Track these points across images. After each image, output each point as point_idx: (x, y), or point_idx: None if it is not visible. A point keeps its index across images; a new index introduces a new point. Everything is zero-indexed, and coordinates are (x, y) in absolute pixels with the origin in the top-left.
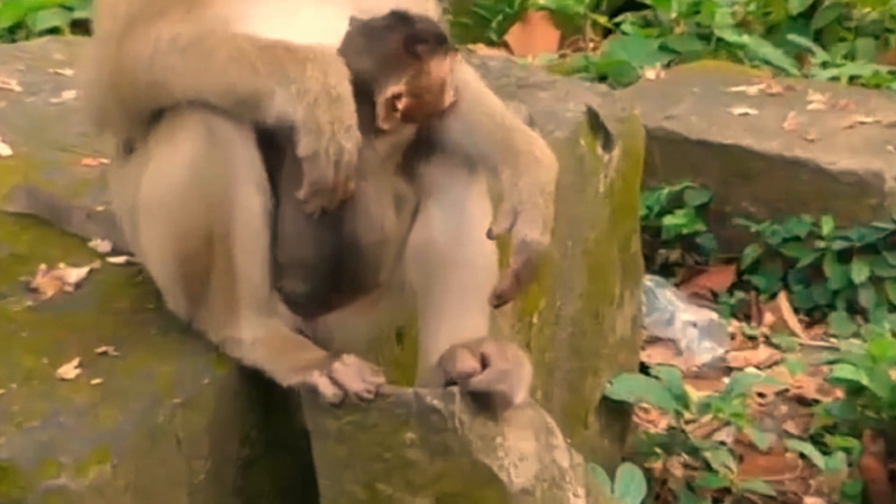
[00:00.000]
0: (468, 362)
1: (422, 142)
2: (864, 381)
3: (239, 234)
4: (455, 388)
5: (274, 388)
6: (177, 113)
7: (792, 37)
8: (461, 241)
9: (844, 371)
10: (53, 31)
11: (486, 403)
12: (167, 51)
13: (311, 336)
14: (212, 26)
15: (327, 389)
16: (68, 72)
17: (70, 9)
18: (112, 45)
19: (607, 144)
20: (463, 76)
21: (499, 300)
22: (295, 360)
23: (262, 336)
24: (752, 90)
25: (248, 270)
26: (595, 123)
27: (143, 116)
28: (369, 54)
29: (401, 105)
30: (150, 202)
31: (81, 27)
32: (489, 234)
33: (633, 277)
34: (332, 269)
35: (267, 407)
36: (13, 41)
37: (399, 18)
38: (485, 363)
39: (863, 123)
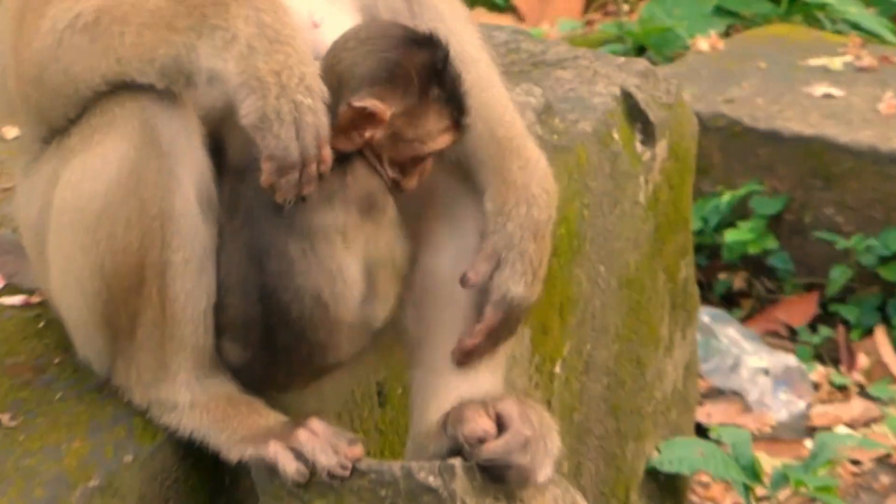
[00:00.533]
0: (481, 423)
1: None
2: None
3: (178, 262)
4: (456, 460)
5: (219, 465)
6: (105, 105)
7: None
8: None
9: None
10: None
11: (501, 479)
12: (70, 34)
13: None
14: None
15: (289, 465)
16: None
17: None
18: (14, 27)
19: (648, 138)
20: (472, 51)
21: (464, 358)
22: (246, 428)
23: (202, 398)
24: (837, 63)
25: (188, 311)
26: (632, 111)
27: (67, 107)
28: (369, 57)
29: (371, 130)
30: (66, 217)
31: None
32: (463, 282)
33: (685, 312)
34: (265, 335)
35: (211, 490)
36: None
37: (430, 44)
38: (501, 426)
39: None
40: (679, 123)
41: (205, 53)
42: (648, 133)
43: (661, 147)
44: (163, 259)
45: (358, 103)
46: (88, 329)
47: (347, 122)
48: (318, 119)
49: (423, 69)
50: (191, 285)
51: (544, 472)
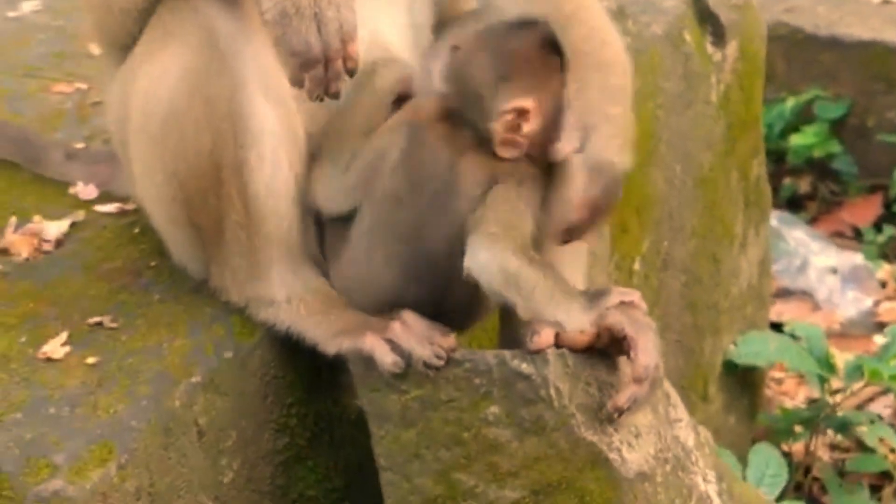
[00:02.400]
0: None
1: None
2: None
3: (253, 159)
4: (550, 348)
5: (317, 359)
6: (162, 15)
7: None
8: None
9: None
10: None
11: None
12: None
13: None
14: None
15: (385, 357)
16: None
17: None
18: None
19: (719, 40)
20: None
21: (566, 236)
22: (342, 322)
23: (298, 292)
24: None
25: (270, 207)
26: (703, 13)
27: (130, 25)
28: (489, 62)
29: (526, 125)
30: (138, 125)
31: None
32: (554, 155)
33: (758, 211)
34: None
35: (309, 385)
36: None
37: (531, 22)
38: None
39: None
40: (748, 25)
41: None
42: (719, 34)
43: (732, 48)
44: (238, 158)
45: (507, 106)
46: (176, 233)
47: (506, 130)
48: (340, 14)
49: (540, 48)
50: (270, 180)
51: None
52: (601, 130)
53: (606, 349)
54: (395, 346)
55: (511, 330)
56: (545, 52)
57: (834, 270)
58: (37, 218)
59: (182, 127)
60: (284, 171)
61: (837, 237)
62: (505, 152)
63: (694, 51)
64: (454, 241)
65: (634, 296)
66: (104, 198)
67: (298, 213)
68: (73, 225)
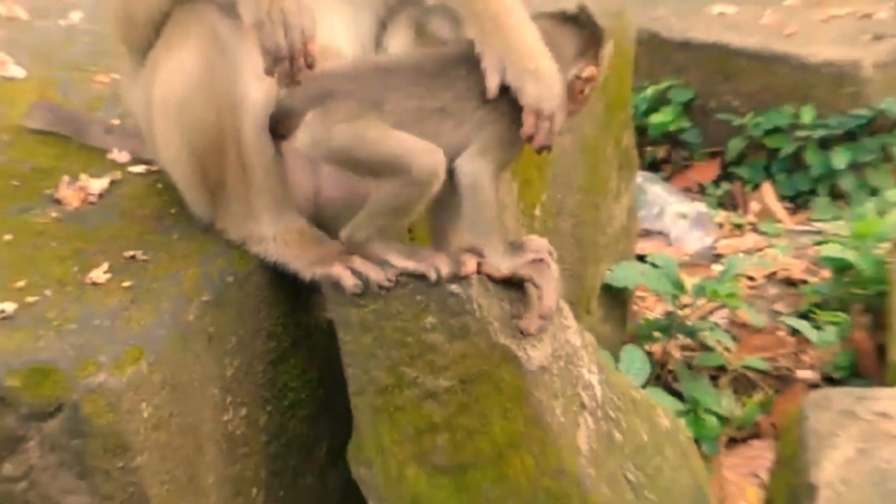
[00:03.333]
0: None
1: None
2: (852, 258)
3: (248, 126)
4: (473, 274)
5: (297, 282)
6: (180, 18)
7: None
8: None
9: (832, 250)
10: None
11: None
12: None
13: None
14: None
15: (349, 280)
16: None
17: None
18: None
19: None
20: None
21: (536, 145)
22: (316, 254)
23: (282, 231)
24: None
25: (263, 164)
26: (587, 20)
27: (150, 31)
28: (570, 40)
29: (588, 87)
30: (164, 104)
31: None
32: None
33: (627, 170)
34: None
35: (291, 301)
36: None
37: (586, 10)
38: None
39: (838, 16)
40: (622, 29)
41: None
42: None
43: (609, 46)
44: (235, 127)
45: (585, 75)
46: (191, 189)
47: (576, 91)
48: (302, 21)
49: (590, 31)
50: (260, 143)
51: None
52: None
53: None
54: (355, 272)
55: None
56: (594, 33)
57: (684, 216)
58: (83, 176)
59: (193, 106)
60: (268, 136)
61: (686, 191)
62: (572, 105)
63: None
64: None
65: (545, 254)
66: (134, 161)
67: (280, 167)
68: (111, 182)
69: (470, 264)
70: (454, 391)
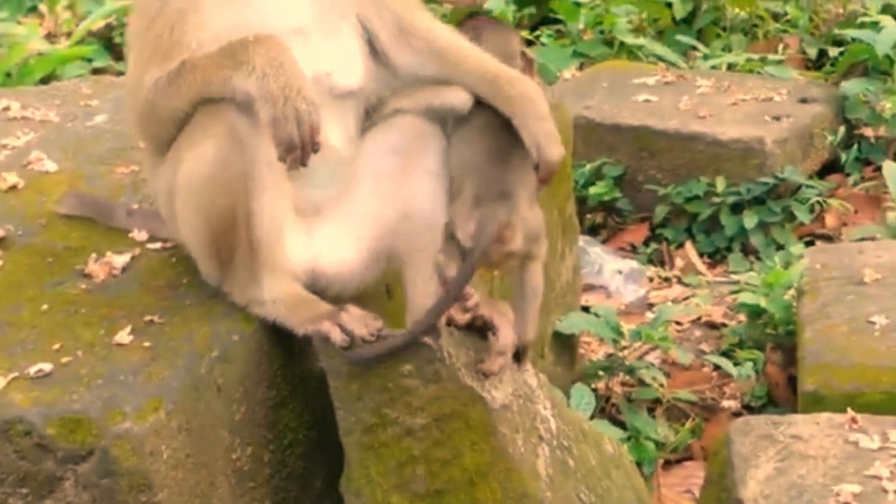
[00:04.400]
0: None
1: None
2: (763, 304)
3: (258, 209)
4: (442, 327)
5: (293, 338)
6: (199, 118)
7: (678, 37)
8: (439, 205)
9: (747, 297)
10: (78, 77)
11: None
12: (165, 83)
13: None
14: (179, 58)
15: (337, 336)
16: (95, 102)
17: (90, 60)
18: (131, 90)
19: None
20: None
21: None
22: (308, 314)
23: (280, 295)
24: (651, 81)
25: (268, 240)
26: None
27: (173, 128)
28: None
29: None
30: (187, 189)
31: (100, 72)
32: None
33: (570, 235)
34: None
35: (288, 355)
36: None
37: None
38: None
39: (743, 101)
40: (561, 118)
41: (237, 80)
42: None
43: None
44: (246, 208)
45: None
46: (204, 258)
47: None
48: (311, 117)
49: None
50: (267, 223)
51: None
52: (545, 142)
53: (480, 329)
54: (342, 328)
55: (414, 315)
56: None
57: (619, 272)
58: (109, 253)
59: (212, 190)
60: (277, 217)
61: (621, 251)
62: None
63: None
64: None
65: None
66: (152, 240)
67: (284, 242)
68: (132, 258)
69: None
70: (429, 428)
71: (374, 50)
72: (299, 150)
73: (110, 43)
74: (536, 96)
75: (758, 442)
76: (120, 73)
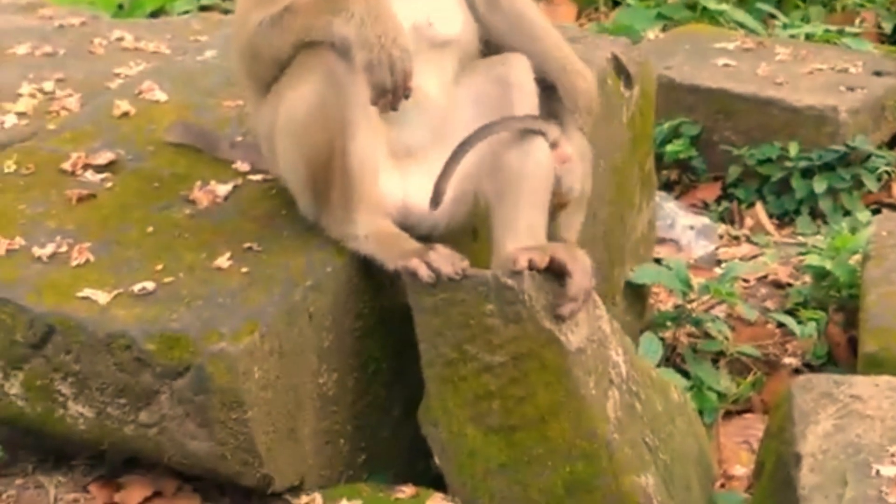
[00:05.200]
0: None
1: None
2: (829, 266)
3: (353, 148)
4: (525, 270)
5: (381, 272)
6: (300, 59)
7: (759, 5)
8: (527, 157)
9: (814, 259)
10: (186, 14)
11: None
12: (268, 25)
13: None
14: (283, 2)
15: (425, 273)
16: (204, 38)
17: None
18: (237, 31)
19: (628, 84)
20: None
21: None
22: (399, 251)
23: (372, 231)
24: (731, 46)
25: (362, 177)
26: (619, 67)
27: (274, 69)
28: None
29: None
30: (287, 128)
31: (208, 8)
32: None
33: (648, 189)
34: None
35: (376, 288)
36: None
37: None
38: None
39: (819, 70)
40: (646, 75)
41: (337, 25)
42: (628, 81)
43: (636, 90)
44: (342, 147)
45: None
46: (302, 194)
47: None
48: (404, 64)
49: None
50: (362, 162)
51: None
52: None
53: (558, 273)
54: (430, 266)
55: (499, 257)
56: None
57: (691, 227)
58: (213, 182)
59: (311, 128)
60: (371, 156)
61: (693, 207)
62: None
63: (613, 91)
64: None
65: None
66: (253, 171)
67: (377, 180)
68: (234, 187)
69: (522, 261)
70: (507, 366)
71: (470, 5)
72: (391, 95)
73: None
74: (593, 93)
75: (819, 399)
76: (227, 11)
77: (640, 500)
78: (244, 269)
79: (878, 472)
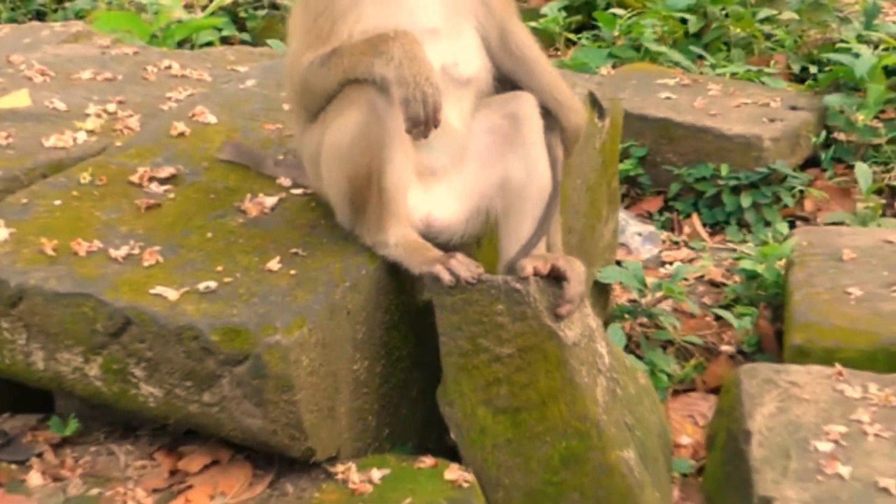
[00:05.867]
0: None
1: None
2: (759, 270)
3: (389, 170)
4: (531, 276)
5: (406, 275)
6: (345, 93)
7: (691, 47)
8: (531, 180)
9: (746, 264)
10: (209, 44)
11: (558, 282)
12: (318, 64)
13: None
14: (332, 45)
15: (446, 277)
16: (239, 67)
17: (220, 29)
18: (290, 68)
19: (601, 116)
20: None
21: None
22: (423, 257)
23: (401, 240)
24: (671, 82)
25: (395, 194)
26: (594, 102)
27: (322, 101)
28: None
29: None
30: (333, 150)
31: (226, 43)
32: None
33: (613, 204)
34: None
35: (401, 288)
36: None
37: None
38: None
39: (745, 104)
40: (616, 109)
41: (378, 66)
42: (602, 114)
43: (607, 121)
44: (380, 168)
45: None
46: (341, 207)
47: None
48: (435, 100)
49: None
50: (396, 181)
51: (580, 282)
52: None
53: (557, 278)
54: (451, 271)
55: (507, 267)
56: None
57: (639, 234)
58: (261, 194)
59: (354, 151)
60: (403, 176)
61: (640, 217)
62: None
63: (590, 121)
64: None
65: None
66: (295, 186)
67: (407, 197)
68: (279, 199)
69: (528, 268)
70: (513, 356)
71: (487, 48)
72: (423, 126)
73: (235, 16)
74: (582, 126)
75: (763, 384)
76: (243, 42)
77: (623, 471)
78: (292, 272)
79: (815, 447)
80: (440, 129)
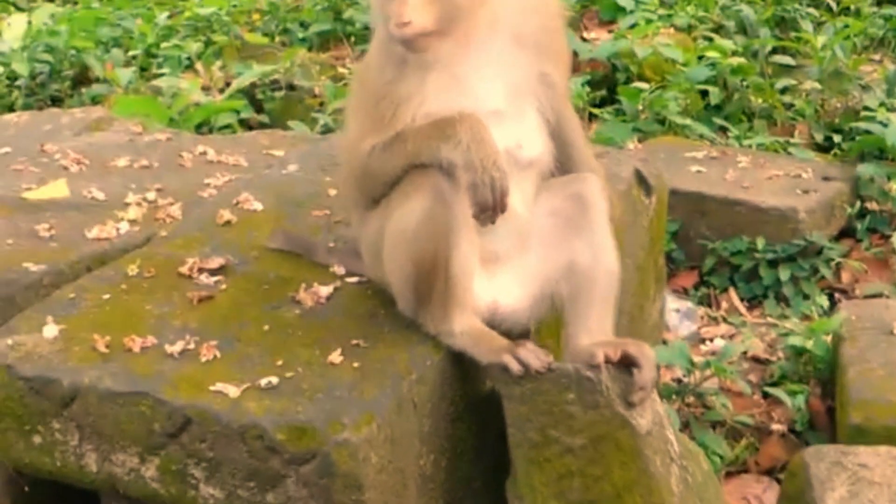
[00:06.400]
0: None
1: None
2: (809, 345)
3: (456, 256)
4: (602, 364)
5: (475, 365)
6: (410, 178)
7: (714, 119)
8: (598, 265)
9: (795, 340)
10: (227, 127)
11: (629, 371)
12: (380, 150)
13: (494, 328)
14: (395, 130)
15: (515, 367)
16: (276, 152)
17: (237, 111)
18: (349, 154)
19: (648, 193)
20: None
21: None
22: (489, 346)
23: (466, 329)
24: (700, 155)
25: (460, 283)
26: (641, 179)
27: (384, 187)
28: None
29: None
30: (397, 236)
31: (244, 124)
32: None
33: (660, 283)
34: None
35: (465, 378)
36: (199, 134)
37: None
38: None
39: (777, 175)
40: (661, 186)
41: (445, 150)
42: (648, 191)
43: (654, 198)
44: (446, 254)
45: None
46: (404, 294)
47: None
48: (503, 185)
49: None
50: (462, 268)
51: (651, 368)
52: None
53: (628, 365)
54: (519, 360)
55: (575, 354)
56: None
57: (677, 310)
58: (315, 284)
59: (420, 237)
60: (469, 263)
61: (676, 292)
62: None
63: (636, 199)
64: None
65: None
66: (349, 274)
67: (472, 284)
68: (335, 289)
69: (599, 356)
70: (586, 448)
71: (546, 129)
72: (491, 211)
73: (253, 98)
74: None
75: (831, 467)
76: (262, 124)
77: None
78: (355, 364)
79: None
80: (504, 213)
